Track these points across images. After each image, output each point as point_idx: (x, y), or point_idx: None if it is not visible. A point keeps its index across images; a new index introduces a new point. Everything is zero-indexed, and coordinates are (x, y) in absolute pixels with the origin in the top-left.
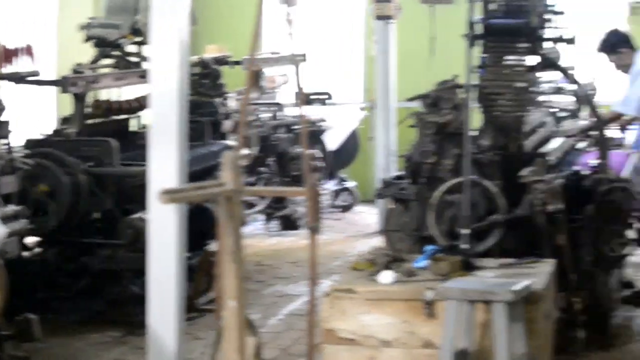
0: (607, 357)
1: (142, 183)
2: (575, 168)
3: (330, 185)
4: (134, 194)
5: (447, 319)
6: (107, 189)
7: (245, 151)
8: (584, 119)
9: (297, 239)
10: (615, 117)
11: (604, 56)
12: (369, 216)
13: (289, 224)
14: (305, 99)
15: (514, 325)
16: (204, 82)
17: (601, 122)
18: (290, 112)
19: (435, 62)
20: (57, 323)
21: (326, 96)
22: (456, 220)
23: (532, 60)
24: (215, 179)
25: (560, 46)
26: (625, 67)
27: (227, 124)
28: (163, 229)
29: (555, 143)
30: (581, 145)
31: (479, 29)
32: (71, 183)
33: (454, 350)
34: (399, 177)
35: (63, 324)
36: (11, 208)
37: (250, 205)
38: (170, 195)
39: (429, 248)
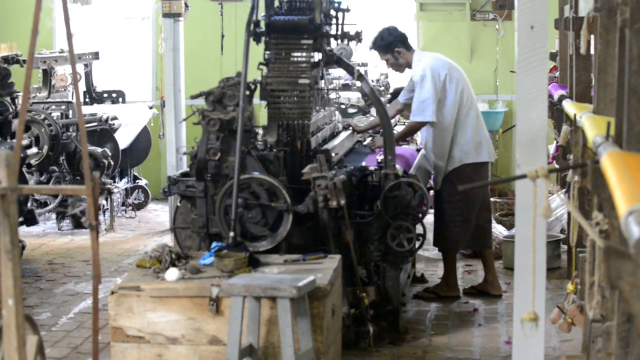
0: (397, 352)
1: None
2: (363, 164)
3: (123, 184)
4: None
5: (232, 315)
6: None
7: (34, 150)
8: (374, 116)
9: (89, 238)
10: (417, 127)
11: (376, 54)
12: (162, 214)
13: (81, 222)
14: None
15: (299, 320)
16: None
17: (399, 135)
18: (82, 110)
19: (225, 59)
20: None
21: (116, 95)
22: (242, 218)
23: (316, 57)
24: None
25: (352, 43)
26: (400, 66)
27: (16, 123)
28: None
29: (339, 139)
30: (368, 141)
31: (263, 26)
32: None
33: (241, 346)
34: (185, 174)
35: None
36: None
37: (42, 204)
38: None
39: (215, 245)
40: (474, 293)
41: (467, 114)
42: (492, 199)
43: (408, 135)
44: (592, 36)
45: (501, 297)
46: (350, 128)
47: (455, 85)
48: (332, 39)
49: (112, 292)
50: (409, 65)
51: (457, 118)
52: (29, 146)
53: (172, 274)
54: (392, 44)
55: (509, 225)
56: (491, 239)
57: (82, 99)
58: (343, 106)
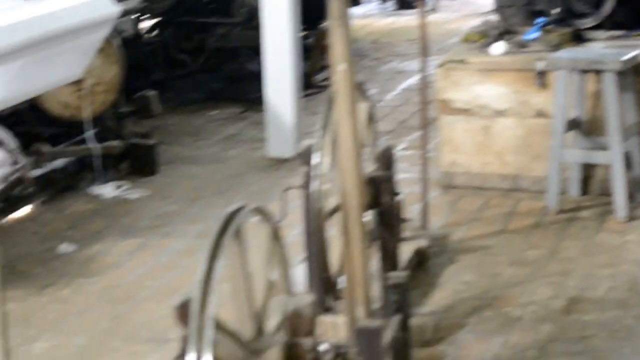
0: None
1: None
2: None
3: None
4: None
5: (557, 89)
6: None
7: None
8: None
9: (412, 18)
10: None
11: None
12: None
13: (405, 3)
14: None
15: (624, 95)
16: None
17: None
18: None
19: None
20: (177, 101)
21: None
22: None
23: None
24: None
25: None
26: None
27: None
28: (276, 7)
29: None
30: None
31: None
32: None
33: (567, 119)
34: None
35: (182, 101)
36: None
37: None
38: None
39: (540, 20)
40: None
41: None
42: None
43: None
44: None
45: None
46: None
47: None
48: None
49: (439, 66)
50: None
51: None
52: None
53: (498, 47)
54: None
55: None
56: None
57: None
58: None
